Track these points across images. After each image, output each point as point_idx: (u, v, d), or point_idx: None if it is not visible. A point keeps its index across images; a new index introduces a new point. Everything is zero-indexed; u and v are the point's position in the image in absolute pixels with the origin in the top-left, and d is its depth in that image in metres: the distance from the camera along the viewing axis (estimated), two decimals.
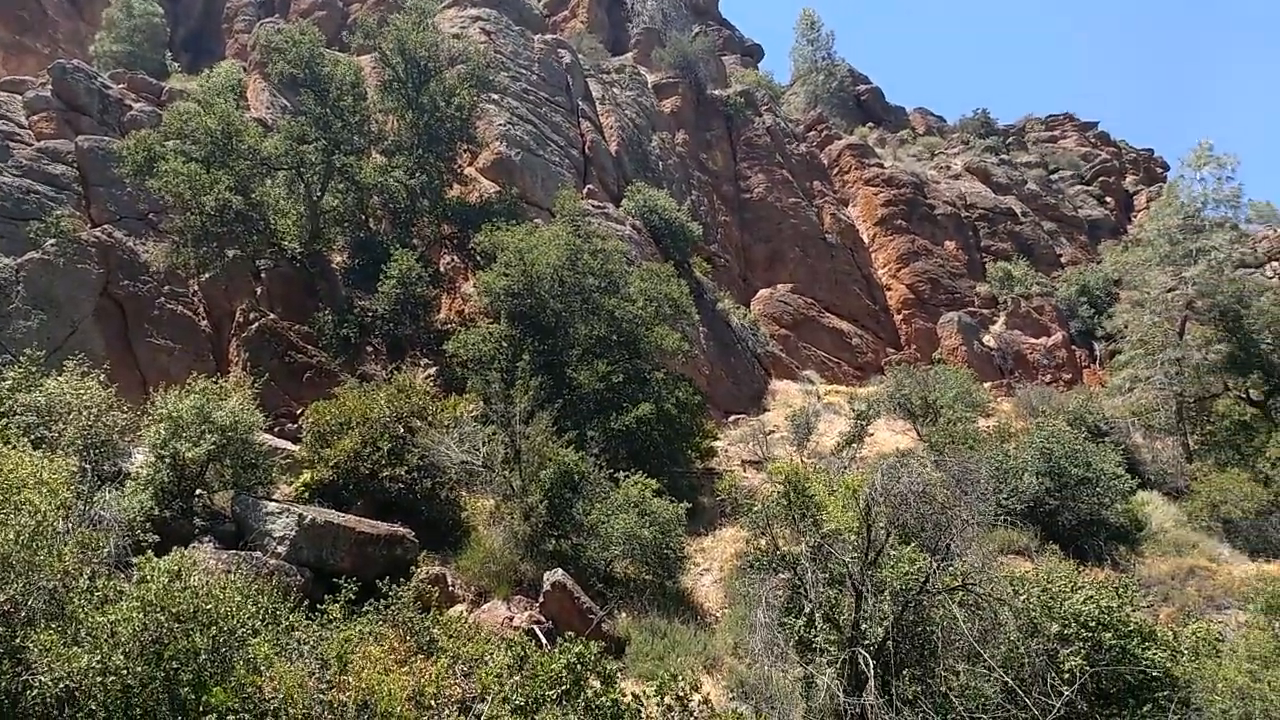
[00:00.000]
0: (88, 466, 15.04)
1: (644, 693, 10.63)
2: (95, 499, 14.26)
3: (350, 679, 10.03)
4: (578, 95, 44.03)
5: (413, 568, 16.05)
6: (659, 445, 24.82)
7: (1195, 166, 35.87)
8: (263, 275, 29.63)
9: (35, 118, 31.25)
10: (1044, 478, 24.47)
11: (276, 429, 22.36)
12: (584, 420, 23.62)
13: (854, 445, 27.64)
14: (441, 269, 31.78)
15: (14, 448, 11.94)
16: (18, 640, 9.18)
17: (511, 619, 16.27)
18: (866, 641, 13.43)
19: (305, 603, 12.95)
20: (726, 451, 30.55)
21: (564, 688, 9.89)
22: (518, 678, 9.92)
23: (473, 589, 17.72)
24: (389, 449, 19.09)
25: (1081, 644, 13.36)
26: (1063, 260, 56.77)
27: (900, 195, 53.04)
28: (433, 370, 27.66)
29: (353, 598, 12.87)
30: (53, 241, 26.13)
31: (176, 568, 10.27)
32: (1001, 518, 23.12)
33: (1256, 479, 27.51)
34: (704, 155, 49.67)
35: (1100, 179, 67.44)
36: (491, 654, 10.83)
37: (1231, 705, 13.58)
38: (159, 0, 48.04)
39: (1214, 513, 26.61)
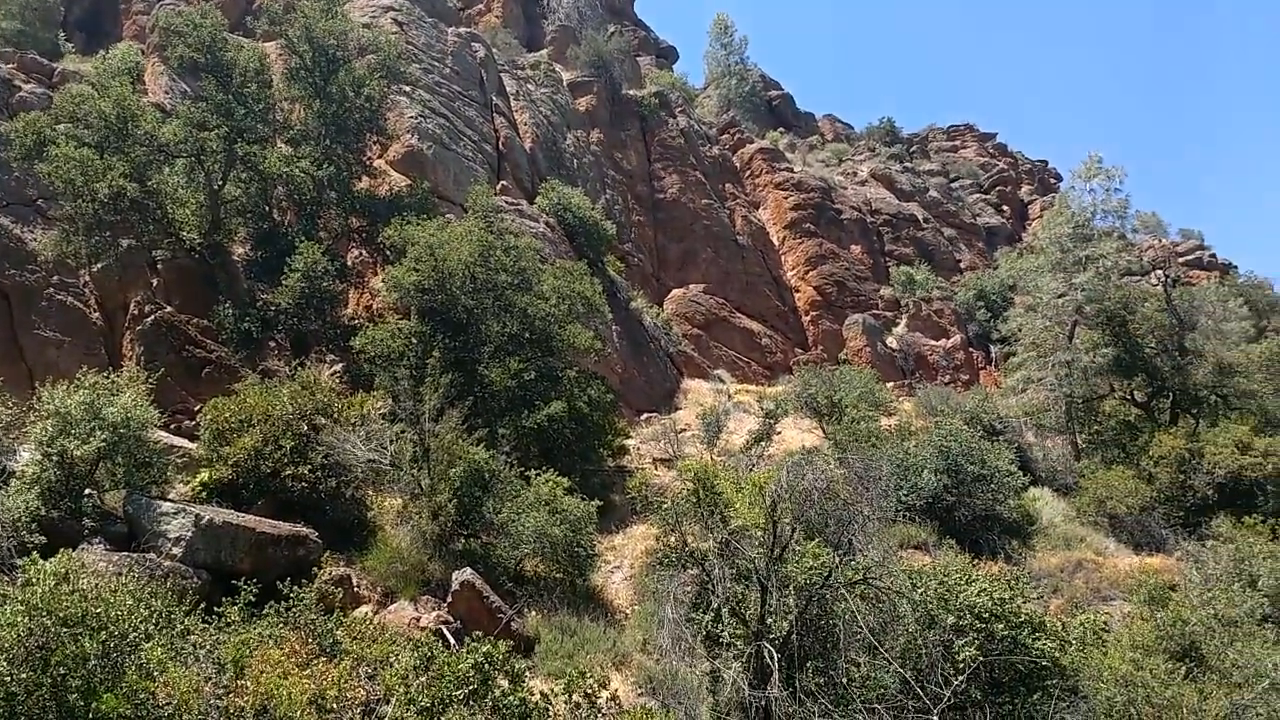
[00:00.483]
0: None
1: (552, 691, 10.64)
2: None
3: (248, 683, 9.77)
4: (492, 90, 43.61)
5: (316, 569, 15.68)
6: (571, 443, 24.82)
7: (1085, 178, 37.49)
8: (159, 266, 28.48)
9: None
10: (942, 475, 25.28)
11: (173, 426, 21.58)
12: (495, 418, 23.44)
13: (762, 443, 28.09)
14: (349, 263, 31.06)
15: None
16: None
17: (418, 619, 16.05)
18: (772, 635, 13.70)
19: (202, 606, 12.56)
20: (638, 449, 30.72)
21: (471, 688, 9.81)
22: (423, 679, 9.79)
23: (379, 590, 17.42)
24: (292, 447, 18.59)
25: (976, 635, 13.83)
26: (962, 265, 58.85)
27: (809, 200, 54.17)
28: (339, 367, 27.05)
29: (252, 600, 12.54)
30: None
31: (64, 570, 9.84)
32: (902, 513, 23.79)
33: (1140, 476, 28.88)
34: (618, 155, 49.78)
35: (998, 188, 70.19)
36: (397, 655, 10.66)
37: (1115, 692, 14.24)
38: None
39: (1100, 508, 27.89)
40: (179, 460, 18.40)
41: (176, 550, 15.26)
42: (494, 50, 46.92)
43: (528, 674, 12.00)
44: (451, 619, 16.24)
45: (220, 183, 28.35)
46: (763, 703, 12.99)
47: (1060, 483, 30.80)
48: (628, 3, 70.79)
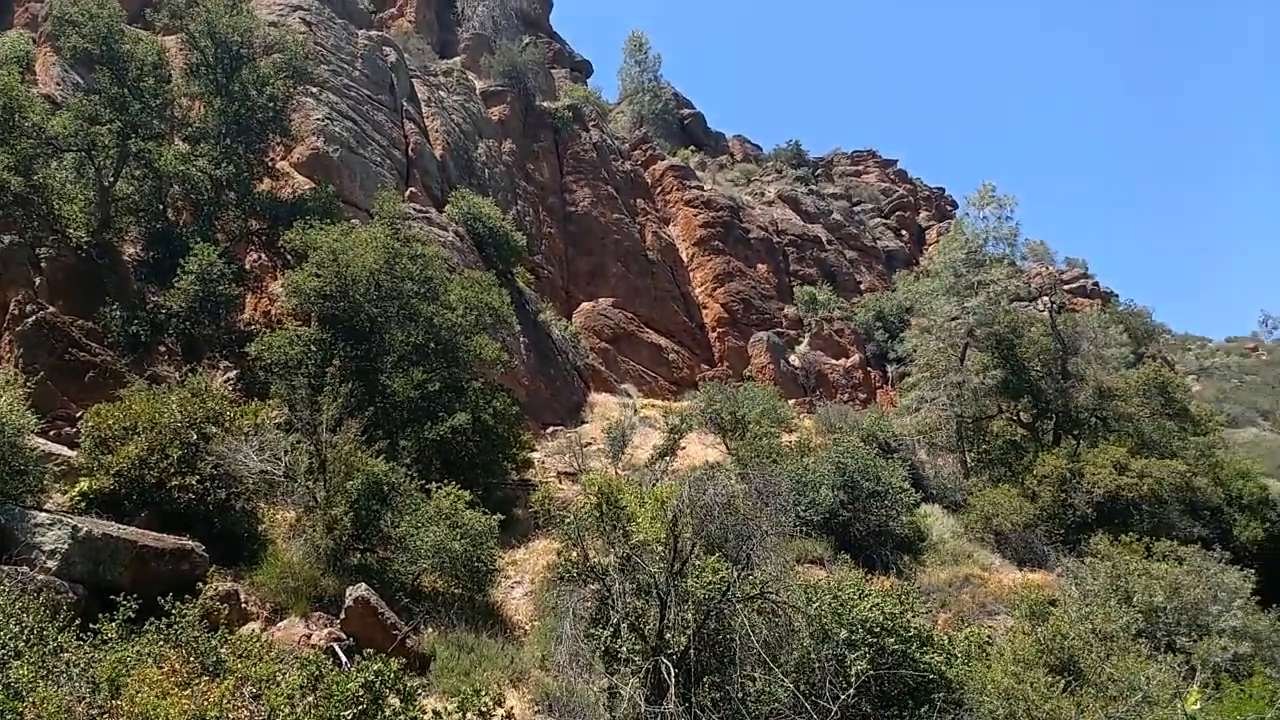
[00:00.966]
0: None
1: (445, 709, 10.48)
2: None
3: (124, 703, 9.35)
4: (402, 96, 42.98)
5: (201, 584, 15.09)
6: (474, 456, 24.52)
7: (979, 205, 38.96)
8: (43, 265, 27.06)
9: None
10: (839, 491, 25.82)
11: (52, 433, 20.48)
12: (397, 429, 23.01)
13: (667, 458, 28.28)
14: (247, 266, 30.08)
15: None
16: None
17: (309, 637, 15.60)
18: (670, 650, 13.78)
19: (78, 622, 11.93)
20: (543, 463, 30.57)
21: (361, 707, 9.60)
22: (311, 698, 9.53)
23: (268, 606, 16.84)
24: (179, 457, 17.83)
25: (867, 649, 14.08)
26: (862, 287, 60.64)
27: (718, 218, 55.05)
28: (233, 374, 26.14)
29: (132, 616, 11.98)
30: None
31: None
32: (800, 528, 24.22)
33: (1024, 494, 29.95)
34: (530, 166, 49.65)
35: (897, 213, 72.70)
36: (284, 674, 10.35)
37: (998, 705, 14.73)
38: None
39: (987, 525, 28.87)
40: (57, 469, 17.47)
41: (51, 563, 14.48)
42: (406, 55, 46.30)
43: (422, 692, 11.80)
44: (344, 636, 15.82)
45: (112, 179, 27.18)
46: (659, 718, 13.06)
47: (950, 499, 31.80)
48: (543, 15, 70.81)
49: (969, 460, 35.81)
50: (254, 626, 15.37)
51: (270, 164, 31.69)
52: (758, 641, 13.58)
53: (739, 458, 28.53)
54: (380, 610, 16.34)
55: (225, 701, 9.43)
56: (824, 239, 61.49)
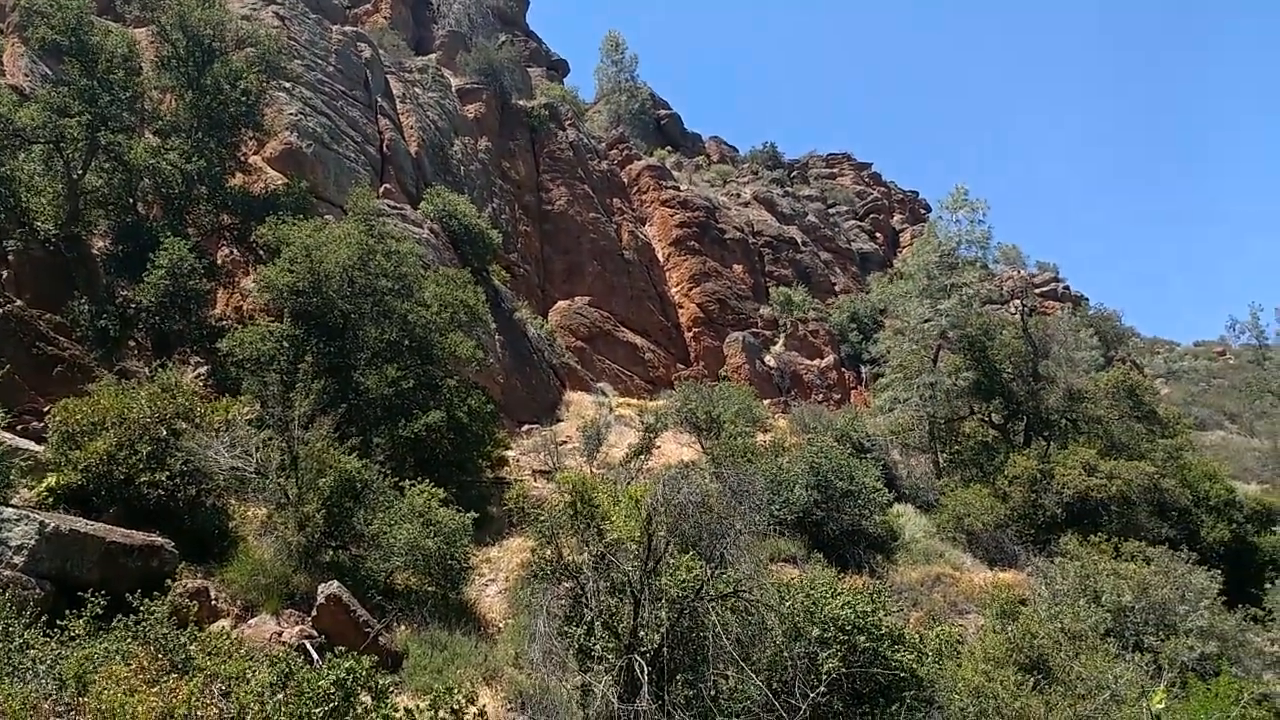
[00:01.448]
0: None
1: (418, 707, 10.41)
2: None
3: (91, 700, 9.22)
4: (377, 92, 42.70)
5: (171, 581, 14.91)
6: (449, 454, 24.39)
7: (952, 209, 39.27)
8: (10, 258, 26.65)
9: None
10: (813, 490, 25.96)
11: (19, 427, 20.16)
12: (370, 427, 22.86)
13: (642, 457, 28.30)
14: (219, 261, 29.77)
15: None
16: None
17: (280, 634, 15.46)
18: (643, 648, 13.80)
19: (45, 619, 11.82)
20: (518, 461, 30.48)
21: (332, 705, 9.50)
22: (281, 696, 9.44)
23: (239, 603, 16.68)
24: (149, 452, 17.61)
25: (839, 647, 14.13)
26: (837, 288, 60.97)
27: (694, 218, 55.14)
28: (204, 369, 25.87)
29: (100, 613, 11.84)
30: None
31: None
32: (774, 527, 24.34)
33: (995, 495, 30.33)
34: (507, 164, 49.48)
35: (871, 215, 73.20)
36: (254, 671, 10.24)
37: (969, 703, 14.89)
38: None
39: (959, 525, 29.15)
40: (24, 464, 17.18)
41: (18, 559, 14.25)
42: (381, 51, 46.00)
43: (394, 690, 11.72)
44: (316, 634, 15.70)
45: (80, 172, 26.81)
46: (632, 716, 13.07)
47: (922, 499, 32.07)
48: (520, 13, 70.64)
49: (941, 461, 36.12)
50: (224, 624, 15.23)
51: (243, 159, 31.38)
52: (730, 640, 13.62)
53: (714, 457, 28.58)
54: (352, 608, 16.23)
55: (194, 699, 9.32)
56: (799, 240, 61.79)
